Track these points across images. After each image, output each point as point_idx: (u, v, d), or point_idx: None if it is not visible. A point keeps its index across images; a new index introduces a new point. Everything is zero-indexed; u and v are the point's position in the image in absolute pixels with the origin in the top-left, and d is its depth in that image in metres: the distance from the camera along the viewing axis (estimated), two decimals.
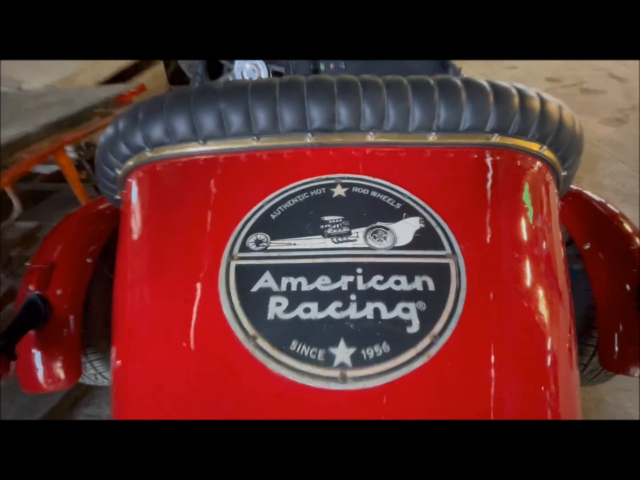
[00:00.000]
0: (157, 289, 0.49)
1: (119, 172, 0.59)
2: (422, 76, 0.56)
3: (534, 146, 0.56)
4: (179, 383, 0.45)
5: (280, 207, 0.51)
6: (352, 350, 0.41)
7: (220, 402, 0.42)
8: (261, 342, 0.41)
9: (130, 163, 0.57)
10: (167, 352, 0.46)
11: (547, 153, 0.57)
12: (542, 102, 0.55)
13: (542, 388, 0.45)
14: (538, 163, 0.57)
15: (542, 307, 0.48)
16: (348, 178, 0.53)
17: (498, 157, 0.55)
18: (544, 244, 0.53)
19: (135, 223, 0.57)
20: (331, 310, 0.43)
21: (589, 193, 0.82)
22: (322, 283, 0.44)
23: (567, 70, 3.77)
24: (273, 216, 0.50)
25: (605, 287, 0.68)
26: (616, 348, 0.64)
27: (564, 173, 0.61)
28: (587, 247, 0.72)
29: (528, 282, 0.49)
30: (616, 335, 0.64)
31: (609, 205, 0.78)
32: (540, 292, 0.49)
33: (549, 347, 0.46)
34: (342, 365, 0.40)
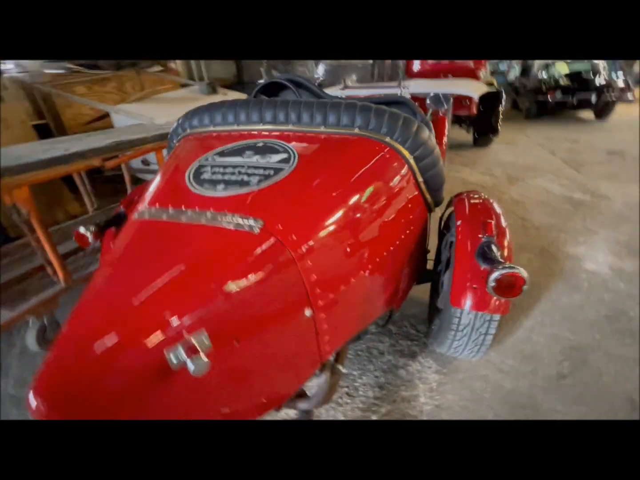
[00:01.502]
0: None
1: (175, 139, 1.24)
2: (323, 100, 1.16)
3: (384, 137, 1.04)
4: None
5: (231, 147, 1.02)
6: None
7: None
8: (195, 184, 0.90)
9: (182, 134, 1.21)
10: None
11: (392, 141, 1.04)
12: (391, 113, 1.04)
13: None
14: (387, 148, 1.05)
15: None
16: (272, 142, 1.00)
17: (357, 140, 1.04)
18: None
19: (174, 159, 1.12)
20: (229, 169, 0.93)
21: (477, 195, 1.37)
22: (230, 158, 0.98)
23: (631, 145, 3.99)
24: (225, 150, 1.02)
25: (459, 248, 1.14)
26: (456, 287, 1.11)
27: (413, 155, 1.08)
28: (459, 223, 1.21)
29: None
30: (457, 279, 1.11)
31: (488, 204, 1.29)
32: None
33: None
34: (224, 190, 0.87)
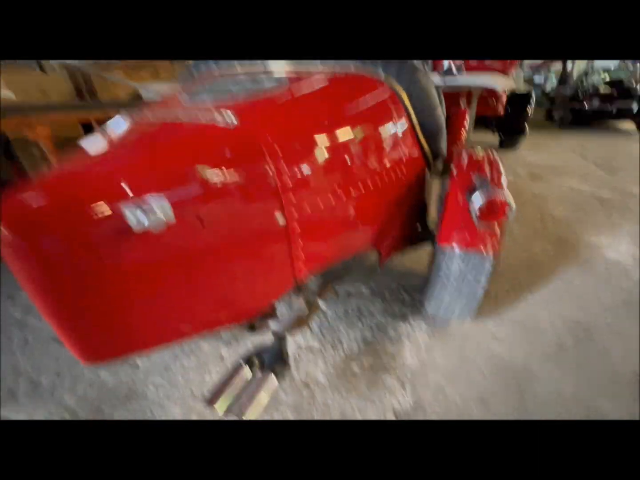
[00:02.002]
0: None
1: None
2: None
3: (380, 75, 1.11)
4: None
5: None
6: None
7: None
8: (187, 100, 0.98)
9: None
10: None
11: (388, 79, 1.10)
12: None
13: None
14: (382, 85, 1.10)
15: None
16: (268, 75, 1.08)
17: (353, 75, 1.12)
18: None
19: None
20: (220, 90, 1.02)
21: (479, 149, 1.33)
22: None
23: None
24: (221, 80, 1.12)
25: (451, 187, 1.15)
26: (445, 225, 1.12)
27: (410, 96, 1.11)
28: (453, 168, 1.20)
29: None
30: (446, 217, 1.13)
31: (487, 154, 1.25)
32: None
33: None
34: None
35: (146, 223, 0.62)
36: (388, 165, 1.09)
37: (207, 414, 1.08)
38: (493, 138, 4.75)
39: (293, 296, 0.99)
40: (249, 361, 0.96)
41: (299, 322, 1.03)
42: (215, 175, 0.72)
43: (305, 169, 0.88)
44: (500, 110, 3.90)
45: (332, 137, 0.94)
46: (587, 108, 5.62)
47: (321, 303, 1.10)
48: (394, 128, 1.10)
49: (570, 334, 1.36)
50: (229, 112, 0.79)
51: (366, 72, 1.11)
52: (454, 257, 1.12)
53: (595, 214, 2.51)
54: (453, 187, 1.11)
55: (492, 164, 1.16)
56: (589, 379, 1.16)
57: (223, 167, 0.74)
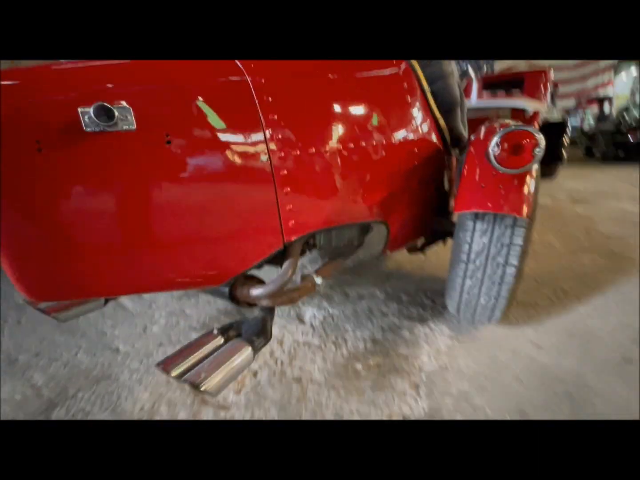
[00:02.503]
0: None
1: None
2: None
3: None
4: None
5: None
6: None
7: None
8: None
9: None
10: None
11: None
12: None
13: None
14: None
15: None
16: None
17: None
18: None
19: None
20: None
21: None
22: None
23: None
24: None
25: (469, 151, 0.98)
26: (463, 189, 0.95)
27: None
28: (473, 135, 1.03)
29: None
30: (464, 181, 0.95)
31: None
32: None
33: None
34: None
35: (107, 125, 0.55)
36: (396, 133, 0.99)
37: (177, 401, 0.92)
38: None
39: (285, 261, 0.86)
40: (224, 330, 0.82)
41: (288, 295, 0.88)
42: (192, 92, 0.66)
43: (298, 114, 0.80)
44: None
45: (333, 91, 0.87)
46: (632, 141, 5.31)
47: (320, 281, 0.95)
48: (404, 97, 1.02)
49: (636, 345, 1.07)
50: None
51: None
52: (475, 227, 0.94)
53: None
54: (472, 145, 0.97)
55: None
56: None
57: (199, 80, 0.68)
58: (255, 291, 0.84)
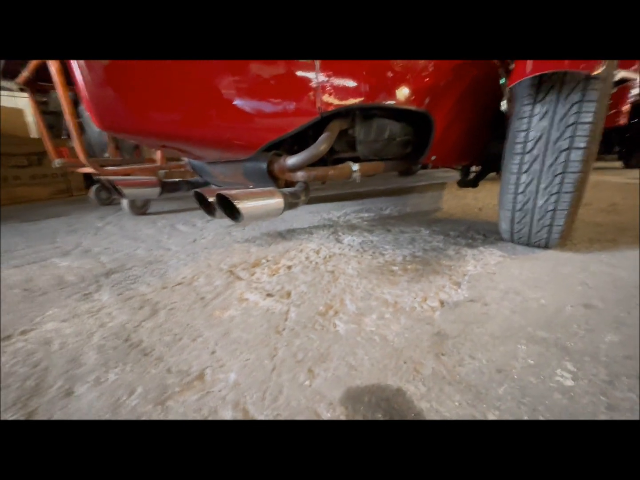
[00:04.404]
0: None
1: None
2: None
3: None
4: None
5: None
6: None
7: None
8: None
9: None
10: None
11: None
12: None
13: None
14: None
15: None
16: None
17: None
18: None
19: None
20: None
21: None
22: None
23: None
24: None
25: None
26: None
27: None
28: None
29: None
30: None
31: None
32: None
33: None
34: None
35: None
36: None
37: (214, 275, 0.96)
38: (610, 161, 3.98)
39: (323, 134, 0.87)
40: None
41: (325, 173, 0.88)
42: None
43: None
44: (622, 118, 3.29)
45: None
46: None
47: (357, 169, 0.93)
48: None
49: None
50: None
51: None
52: (530, 115, 0.85)
53: None
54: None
55: None
56: None
57: None
58: (291, 160, 0.86)
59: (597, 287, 0.79)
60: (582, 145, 0.82)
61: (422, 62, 0.92)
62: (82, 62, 0.66)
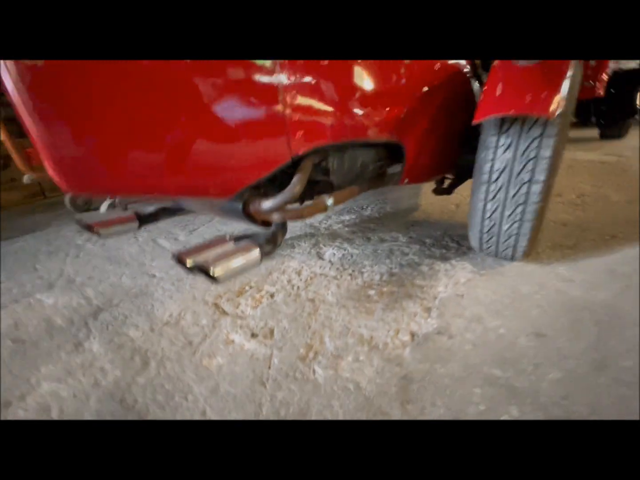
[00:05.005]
0: None
1: None
2: None
3: None
4: None
5: None
6: None
7: None
8: None
9: None
10: None
11: None
12: None
13: None
14: None
15: None
16: None
17: None
18: None
19: None
20: None
21: None
22: None
23: None
24: None
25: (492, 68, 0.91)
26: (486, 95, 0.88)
27: None
28: None
29: None
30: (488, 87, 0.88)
31: None
32: None
33: None
34: None
35: None
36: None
37: (200, 312, 1.01)
38: (590, 131, 4.03)
39: (295, 177, 0.88)
40: (237, 238, 0.87)
41: (299, 212, 0.91)
42: None
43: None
44: (600, 90, 3.29)
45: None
46: None
47: (332, 202, 0.95)
48: None
49: None
50: None
51: None
52: (495, 147, 0.88)
53: None
54: (499, 62, 0.89)
55: None
56: None
57: None
58: (266, 204, 0.88)
59: (550, 311, 0.88)
60: (542, 178, 0.86)
61: (393, 91, 0.92)
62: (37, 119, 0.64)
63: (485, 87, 0.87)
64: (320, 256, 1.33)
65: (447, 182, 1.42)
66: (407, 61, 0.92)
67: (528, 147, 0.85)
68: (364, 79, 0.87)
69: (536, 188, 0.87)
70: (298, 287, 1.11)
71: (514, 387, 0.66)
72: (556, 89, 0.76)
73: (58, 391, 0.74)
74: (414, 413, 0.62)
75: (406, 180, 1.12)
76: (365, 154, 1.02)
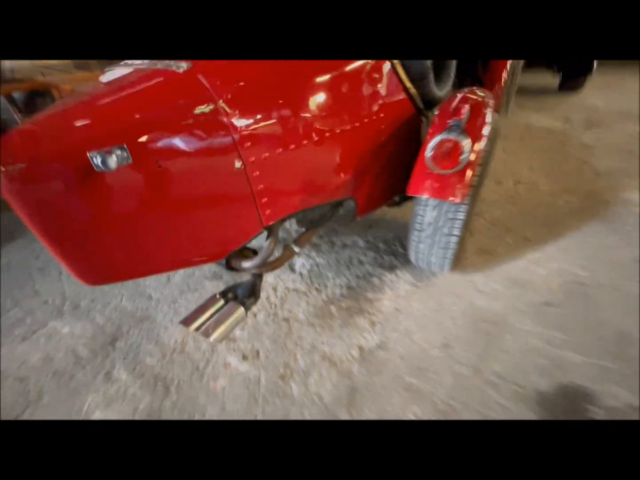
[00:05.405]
0: None
1: None
2: None
3: None
4: None
5: None
6: None
7: None
8: None
9: None
10: None
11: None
12: None
13: None
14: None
15: None
16: None
17: None
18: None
19: None
20: None
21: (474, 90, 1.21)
22: None
23: None
24: None
25: (428, 135, 1.07)
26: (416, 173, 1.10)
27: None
28: (436, 112, 1.14)
29: None
30: (418, 165, 1.10)
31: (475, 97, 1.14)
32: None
33: None
34: None
35: (111, 165, 0.72)
36: (363, 109, 1.07)
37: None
38: (551, 79, 4.12)
39: (267, 240, 1.08)
40: (224, 293, 1.10)
41: (272, 264, 1.13)
42: (168, 121, 0.80)
43: (261, 110, 0.90)
44: None
45: (294, 75, 0.95)
46: None
47: (298, 249, 1.18)
48: (369, 69, 1.06)
49: (563, 290, 1.31)
50: (181, 63, 0.84)
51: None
52: (425, 205, 1.11)
53: None
54: (430, 132, 1.06)
55: (479, 109, 1.08)
56: (569, 334, 1.14)
57: (176, 113, 0.81)
58: (246, 264, 1.09)
59: (459, 322, 1.22)
60: (457, 233, 1.12)
61: (345, 162, 1.09)
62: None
63: (417, 162, 1.06)
64: (292, 268, 1.58)
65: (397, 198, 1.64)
66: (358, 125, 1.07)
67: (448, 211, 1.08)
68: (321, 156, 1.02)
69: (453, 239, 1.13)
70: (275, 305, 1.38)
71: (421, 392, 1.01)
72: (464, 180, 0.97)
73: (108, 416, 1.03)
74: (355, 416, 0.97)
75: (358, 218, 1.33)
76: (323, 207, 1.22)
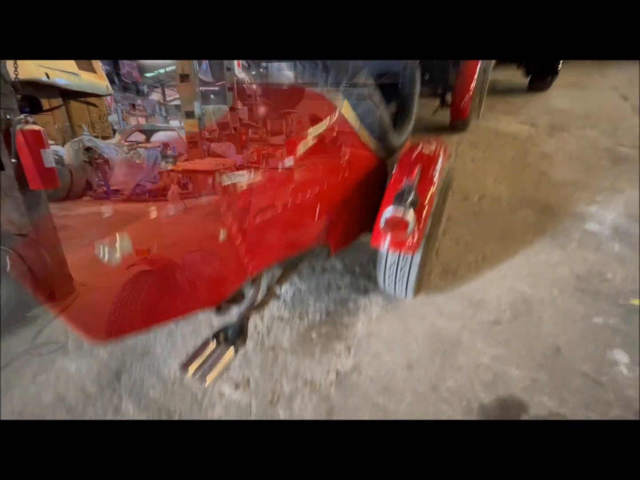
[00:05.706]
0: None
1: None
2: None
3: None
4: None
5: None
6: None
7: None
8: None
9: None
10: None
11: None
12: None
13: None
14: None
15: None
16: None
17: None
18: None
19: None
20: None
21: (431, 143, 1.39)
22: None
23: None
24: None
25: (387, 192, 1.25)
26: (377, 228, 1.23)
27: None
28: (395, 170, 1.30)
29: None
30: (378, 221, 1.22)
31: (431, 151, 1.34)
32: None
33: None
34: None
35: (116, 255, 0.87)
36: (331, 170, 1.22)
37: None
38: (520, 77, 4.28)
39: (250, 287, 1.24)
40: (216, 335, 1.27)
41: (258, 308, 1.29)
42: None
43: (243, 189, 1.05)
44: None
45: (271, 153, 1.09)
46: None
47: (279, 291, 1.34)
48: (335, 143, 1.21)
49: (510, 308, 1.51)
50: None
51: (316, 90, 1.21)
52: (389, 254, 1.28)
53: (601, 177, 2.38)
54: (387, 195, 1.22)
55: (430, 165, 1.23)
56: (511, 350, 1.34)
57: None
58: (234, 309, 1.25)
59: (422, 343, 1.41)
60: (415, 270, 1.30)
61: (319, 218, 1.24)
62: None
63: (378, 217, 1.22)
64: (277, 294, 1.75)
65: None
66: (327, 187, 1.22)
67: (405, 257, 1.26)
68: (295, 220, 1.18)
69: (412, 276, 1.31)
70: (262, 334, 1.55)
71: (387, 409, 1.21)
72: (414, 239, 1.14)
73: None
74: None
75: (332, 256, 1.50)
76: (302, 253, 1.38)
